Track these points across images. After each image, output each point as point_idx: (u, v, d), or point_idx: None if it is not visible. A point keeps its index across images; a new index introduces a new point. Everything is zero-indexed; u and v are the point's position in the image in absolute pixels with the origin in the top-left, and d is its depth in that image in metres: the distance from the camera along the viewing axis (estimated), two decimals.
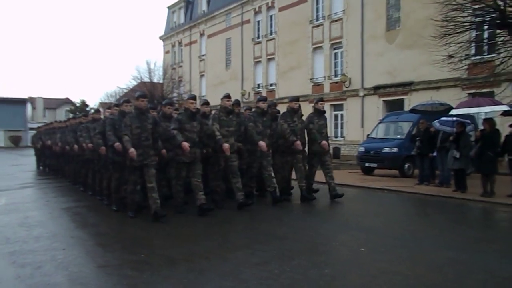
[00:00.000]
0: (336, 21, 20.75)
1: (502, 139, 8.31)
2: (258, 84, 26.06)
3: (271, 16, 25.30)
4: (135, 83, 31.01)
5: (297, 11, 22.91)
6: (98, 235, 5.26)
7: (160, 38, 38.21)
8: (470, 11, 10.98)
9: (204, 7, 31.96)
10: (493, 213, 6.90)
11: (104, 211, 6.87)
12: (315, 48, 21.85)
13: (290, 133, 7.13)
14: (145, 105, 5.96)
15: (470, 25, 10.98)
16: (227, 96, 6.76)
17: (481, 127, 9.20)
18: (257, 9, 26.19)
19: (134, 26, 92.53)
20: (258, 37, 26.20)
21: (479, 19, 11.23)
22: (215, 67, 29.77)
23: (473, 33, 12.27)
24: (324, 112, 7.90)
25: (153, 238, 5.05)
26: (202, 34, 31.82)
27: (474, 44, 12.66)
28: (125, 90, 32.20)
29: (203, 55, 31.74)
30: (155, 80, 31.34)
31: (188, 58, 33.47)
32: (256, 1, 26.18)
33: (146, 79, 30.67)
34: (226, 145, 6.34)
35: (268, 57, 25.23)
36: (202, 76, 31.90)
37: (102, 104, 36.76)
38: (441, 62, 11.21)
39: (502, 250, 4.48)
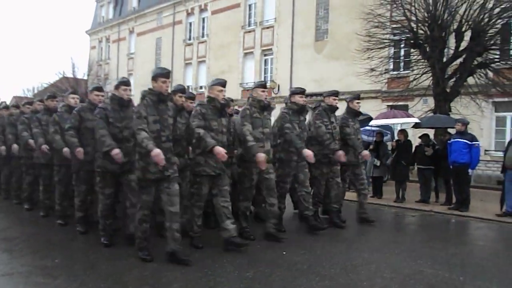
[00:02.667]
0: (267, 28, 21.20)
1: (413, 149, 9.06)
2: (188, 86, 25.76)
3: (203, 19, 25.16)
4: (57, 78, 29.06)
5: (229, 15, 23.04)
6: (5, 241, 4.74)
7: (87, 32, 36.24)
8: (389, 30, 11.88)
9: (134, 3, 30.89)
10: (403, 218, 7.46)
11: (16, 213, 6.33)
12: (246, 54, 22.13)
13: (330, 138, 5.61)
14: (166, 89, 4.09)
15: (389, 42, 11.88)
16: (262, 85, 5.11)
17: (396, 137, 9.93)
18: (189, 11, 25.91)
19: (58, 18, 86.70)
20: (190, 39, 25.91)
21: (397, 37, 12.19)
22: (144, 67, 28.84)
23: (392, 50, 13.24)
24: (360, 113, 6.42)
25: (71, 241, 4.75)
26: (131, 32, 30.71)
27: (392, 60, 13.65)
28: (45, 85, 30.03)
29: (132, 53, 30.63)
30: (79, 76, 29.65)
31: (116, 55, 32.09)
32: (188, 2, 25.89)
33: (69, 74, 28.89)
34: (261, 155, 4.59)
35: (199, 59, 25.05)
36: (130, 74, 30.73)
37: (16, 98, 33.91)
38: (364, 75, 11.96)
39: (408, 250, 4.87)
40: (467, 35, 10.28)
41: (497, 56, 10.60)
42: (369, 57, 11.61)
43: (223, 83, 4.57)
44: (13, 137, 6.76)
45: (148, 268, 3.83)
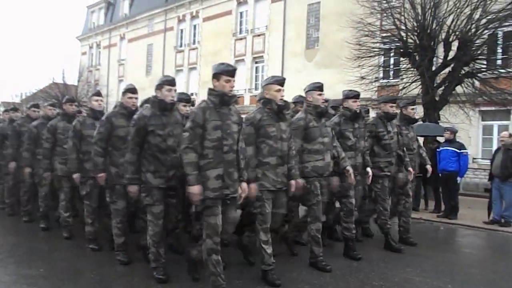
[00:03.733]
0: (258, 35, 21.30)
1: None
2: (179, 93, 25.70)
3: (194, 26, 25.20)
4: (46, 84, 28.72)
5: (221, 22, 23.12)
6: None
7: (77, 38, 36.06)
8: (379, 38, 12.01)
9: (126, 10, 30.86)
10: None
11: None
12: (237, 61, 22.18)
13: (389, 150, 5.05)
14: (231, 90, 3.38)
15: (379, 51, 12.01)
16: (319, 87, 4.29)
17: None
18: (181, 17, 25.94)
19: (49, 24, 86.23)
20: (181, 46, 25.92)
21: (387, 46, 12.32)
22: (135, 73, 28.76)
23: (382, 59, 13.37)
24: (416, 120, 5.90)
25: (55, 249, 4.66)
26: (122, 38, 30.64)
27: (382, 69, 13.78)
28: (34, 91, 29.69)
29: (122, 60, 30.53)
30: (70, 82, 29.37)
31: (107, 61, 31.96)
32: (180, 9, 25.93)
33: (59, 80, 28.60)
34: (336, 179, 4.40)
35: (190, 66, 25.05)
36: (121, 81, 30.60)
37: (4, 103, 33.46)
38: (354, 83, 12.04)
39: (397, 258, 4.85)
40: (455, 45, 10.42)
41: (483, 66, 10.76)
42: (359, 66, 11.71)
43: (281, 81, 3.84)
44: (14, 150, 6.16)
45: (136, 275, 3.78)
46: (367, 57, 11.71)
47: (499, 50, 11.46)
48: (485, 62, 10.75)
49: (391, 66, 14.36)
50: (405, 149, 5.31)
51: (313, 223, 4.13)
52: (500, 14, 9.87)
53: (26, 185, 6.02)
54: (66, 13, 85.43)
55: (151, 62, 27.93)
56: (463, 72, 10.58)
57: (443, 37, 10.55)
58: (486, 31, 10.16)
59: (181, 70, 25.66)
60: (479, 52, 10.34)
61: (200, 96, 23.46)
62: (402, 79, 11.96)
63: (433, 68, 10.86)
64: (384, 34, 12.03)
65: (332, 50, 17.23)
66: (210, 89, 3.40)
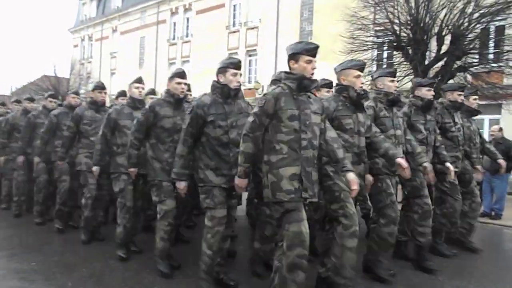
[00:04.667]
0: (252, 28, 21.21)
1: None
2: None
3: (187, 18, 25.01)
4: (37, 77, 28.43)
5: (214, 15, 22.96)
6: None
7: (69, 30, 35.64)
8: (373, 32, 12.01)
9: (118, 2, 30.52)
10: None
11: None
12: (230, 54, 22.08)
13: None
14: (312, 72, 2.90)
15: (372, 44, 12.01)
16: (391, 73, 3.85)
17: None
18: (173, 10, 25.72)
19: (40, 16, 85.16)
20: (174, 38, 25.73)
21: (380, 40, 12.33)
22: (127, 66, 28.54)
23: (375, 52, 13.38)
24: (478, 112, 5.03)
25: (47, 243, 4.64)
26: (114, 30, 30.33)
27: (375, 62, 13.80)
28: (25, 84, 29.33)
29: (115, 52, 30.26)
30: (61, 75, 29.06)
31: (99, 54, 31.64)
32: (173, 1, 25.71)
33: (51, 73, 28.30)
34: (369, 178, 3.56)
35: (183, 59, 24.90)
36: (113, 73, 30.37)
37: None
38: None
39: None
40: (448, 39, 10.45)
41: (476, 60, 10.81)
42: (352, 59, 11.71)
43: (361, 66, 3.38)
44: (24, 143, 5.72)
45: (129, 269, 3.77)
46: (360, 50, 11.71)
47: (491, 44, 11.52)
48: (477, 57, 10.80)
49: (385, 60, 14.40)
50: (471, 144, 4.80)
51: (387, 226, 3.57)
52: (493, 8, 9.91)
53: (42, 182, 5.48)
54: (58, 5, 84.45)
55: (144, 55, 27.72)
56: (455, 66, 10.62)
57: (436, 31, 10.57)
58: (478, 25, 10.20)
59: (174, 63, 25.50)
60: (471, 46, 10.39)
61: (194, 89, 23.31)
62: (396, 71, 11.96)
63: (426, 62, 10.88)
64: (378, 28, 12.03)
65: (326, 43, 17.14)
66: (286, 72, 2.90)
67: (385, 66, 14.40)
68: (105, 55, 31.07)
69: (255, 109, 2.82)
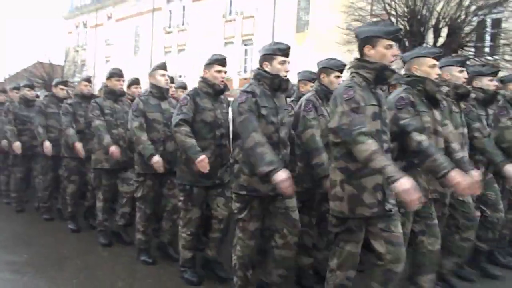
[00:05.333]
0: (248, 17, 21.04)
1: None
2: (172, 77, 25.37)
3: (184, 7, 24.74)
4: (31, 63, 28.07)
5: (210, 4, 22.72)
6: None
7: (63, 17, 35.17)
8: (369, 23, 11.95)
9: None
10: None
11: None
12: (226, 43, 21.93)
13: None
14: (392, 60, 2.43)
15: None
16: (493, 74, 3.57)
17: None
18: None
19: (34, 2, 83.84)
20: (170, 27, 25.48)
21: None
22: (122, 54, 28.29)
23: None
24: None
25: (39, 235, 4.61)
26: (109, 17, 29.96)
27: None
28: (17, 70, 29.00)
29: (109, 40, 29.96)
30: (55, 62, 28.73)
31: (93, 41, 31.30)
32: None
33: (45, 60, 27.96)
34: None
35: (179, 47, 24.69)
36: (107, 61, 30.11)
37: None
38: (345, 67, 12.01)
39: None
40: (444, 32, 10.43)
41: (471, 53, 10.80)
42: (348, 50, 11.67)
43: (437, 54, 2.87)
44: (44, 130, 5.05)
45: (121, 262, 3.77)
46: (357, 41, 11.65)
47: (487, 37, 11.51)
48: (473, 50, 10.80)
49: None
50: None
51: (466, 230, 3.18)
52: (490, 1, 9.88)
53: (48, 179, 5.14)
54: None
55: (139, 42, 27.47)
56: None
57: (433, 23, 10.53)
58: (475, 18, 10.18)
59: (169, 52, 25.30)
60: (467, 39, 10.38)
61: (189, 78, 23.21)
62: (392, 65, 11.96)
63: None
64: (375, 19, 11.95)
65: (323, 34, 17.11)
66: (360, 60, 2.42)
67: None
68: (99, 42, 30.76)
69: (348, 104, 2.25)
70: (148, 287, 3.30)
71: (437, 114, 2.82)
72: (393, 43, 2.37)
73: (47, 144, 4.90)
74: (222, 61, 3.31)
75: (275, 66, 2.77)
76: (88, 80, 5.00)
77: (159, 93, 3.74)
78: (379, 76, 2.35)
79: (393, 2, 10.84)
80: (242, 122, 2.64)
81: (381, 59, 2.34)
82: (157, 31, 26.02)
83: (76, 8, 33.57)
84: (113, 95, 4.28)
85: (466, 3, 9.96)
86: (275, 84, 2.76)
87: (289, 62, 2.85)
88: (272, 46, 2.83)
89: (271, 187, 2.61)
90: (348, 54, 11.89)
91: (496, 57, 10.83)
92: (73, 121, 4.66)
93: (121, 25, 28.70)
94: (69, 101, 4.86)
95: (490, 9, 10.05)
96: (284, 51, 2.79)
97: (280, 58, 2.77)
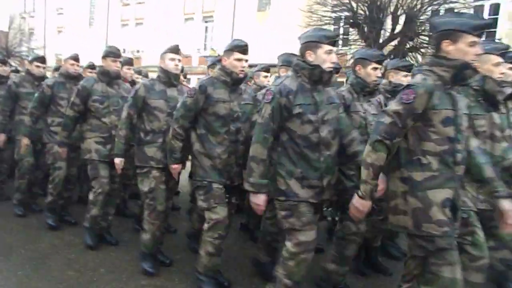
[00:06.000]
0: None
1: None
2: (124, 49, 24.44)
3: None
4: None
5: None
6: None
7: None
8: (330, 7, 12.02)
9: None
10: None
11: None
12: (186, 19, 21.34)
13: None
14: (476, 57, 2.07)
15: (329, 19, 12.05)
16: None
17: None
18: None
19: None
20: None
21: (337, 15, 12.40)
22: (76, 24, 26.83)
23: (332, 28, 13.45)
24: None
25: None
26: None
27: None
28: None
29: (61, 8, 28.24)
30: None
31: (43, 8, 29.40)
32: None
33: None
34: None
35: (137, 21, 23.75)
36: (60, 32, 28.47)
37: None
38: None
39: None
40: (402, 19, 10.69)
41: (425, 41, 11.17)
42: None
43: (504, 50, 2.66)
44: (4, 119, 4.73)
45: (73, 251, 3.66)
46: (317, 25, 11.72)
47: None
48: (427, 38, 11.17)
49: (341, 36, 14.53)
50: None
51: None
52: None
53: (25, 166, 4.56)
54: None
55: (94, 13, 26.11)
56: (408, 46, 10.93)
57: (391, 10, 10.76)
58: (429, 8, 10.49)
59: (126, 25, 24.29)
60: (422, 28, 10.70)
61: (147, 53, 22.44)
62: (351, 49, 12.16)
63: (381, 41, 11.11)
64: (335, 2, 12.05)
65: (284, 15, 17.04)
66: (437, 57, 2.10)
67: (341, 42, 14.58)
68: (50, 10, 28.93)
69: (395, 106, 2.05)
70: (100, 276, 3.23)
71: (496, 116, 2.60)
72: (478, 39, 2.02)
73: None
74: (243, 48, 2.94)
75: (320, 56, 2.45)
76: (76, 58, 4.35)
77: (166, 78, 3.34)
78: (459, 76, 2.05)
79: None
80: (257, 126, 2.51)
81: (462, 57, 2.02)
82: (113, 2, 24.84)
83: None
84: (107, 77, 3.78)
85: None
86: (315, 76, 2.46)
87: (334, 52, 2.52)
88: (317, 32, 2.51)
89: (311, 193, 2.47)
90: None
91: None
92: (51, 104, 4.29)
93: None
94: (49, 81, 4.35)
95: (444, 0, 10.40)
96: (331, 39, 2.47)
97: (326, 47, 2.45)
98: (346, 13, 11.74)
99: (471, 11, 11.89)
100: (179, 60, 3.39)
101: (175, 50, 3.37)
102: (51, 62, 16.53)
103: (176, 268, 3.43)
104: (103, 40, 25.28)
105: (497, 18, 12.94)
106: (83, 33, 26.48)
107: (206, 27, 20.95)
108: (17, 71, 7.72)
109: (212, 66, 4.44)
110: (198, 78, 20.40)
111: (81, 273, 3.24)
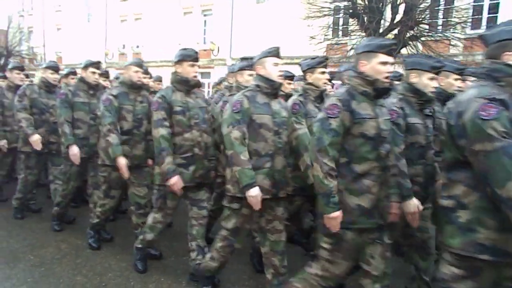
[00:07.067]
0: None
1: None
2: (124, 45, 24.37)
3: None
4: None
5: None
6: None
7: None
8: None
9: None
10: None
11: None
12: (185, 13, 21.20)
13: None
14: None
15: (329, 10, 11.96)
16: None
17: None
18: None
19: None
20: None
21: (336, 5, 12.30)
22: (74, 21, 26.73)
23: (331, 19, 13.39)
24: None
25: None
26: None
27: (331, 28, 13.82)
28: None
29: (59, 5, 28.10)
30: None
31: (41, 6, 29.27)
32: None
33: None
34: None
35: (136, 16, 23.59)
36: (59, 29, 28.37)
37: None
38: (304, 41, 12.06)
39: None
40: (402, 8, 10.59)
41: (426, 30, 11.08)
42: (308, 26, 11.68)
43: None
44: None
45: (80, 256, 3.72)
46: (317, 16, 11.65)
47: (441, 15, 11.83)
48: (427, 27, 11.08)
49: (341, 26, 14.44)
50: None
51: None
52: None
53: (69, 189, 4.30)
54: None
55: (92, 9, 25.98)
56: (408, 35, 10.84)
57: None
58: None
59: (125, 20, 24.17)
60: (422, 16, 10.61)
61: (147, 48, 22.36)
62: (352, 39, 12.08)
63: (381, 31, 11.02)
64: None
65: (282, 6, 16.92)
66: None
67: (340, 32, 14.48)
68: (48, 8, 28.82)
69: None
70: (108, 281, 3.27)
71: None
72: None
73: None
74: (278, 53, 2.84)
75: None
76: (140, 65, 3.79)
77: (270, 88, 2.81)
78: None
79: None
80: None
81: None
82: None
83: None
84: (186, 85, 3.20)
85: None
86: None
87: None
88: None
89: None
90: (308, 28, 11.92)
91: (446, 34, 11.15)
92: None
93: None
94: (113, 91, 3.69)
95: None
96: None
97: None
98: (345, 3, 11.64)
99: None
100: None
101: (277, 53, 2.88)
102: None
103: (182, 271, 3.48)
104: (102, 36, 25.24)
105: (498, 3, 12.81)
106: (82, 29, 26.40)
107: (205, 21, 20.82)
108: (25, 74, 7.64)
109: (239, 71, 3.79)
110: (200, 73, 20.35)
111: (89, 278, 3.30)
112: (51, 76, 4.55)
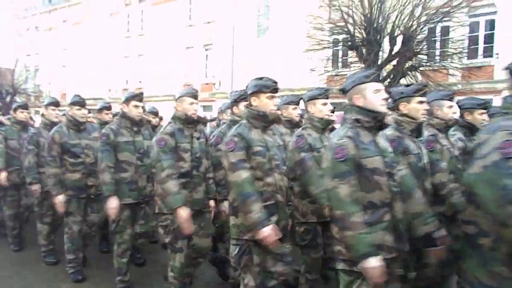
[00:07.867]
0: (208, 23, 20.91)
1: None
2: (127, 81, 24.83)
3: (142, 11, 24.26)
4: None
5: (170, 8, 22.41)
6: None
7: (14, 17, 33.49)
8: (328, 30, 12.23)
9: None
10: None
11: None
12: (187, 48, 21.71)
13: None
14: None
15: (328, 43, 12.24)
16: None
17: None
18: (127, 1, 24.84)
19: None
20: (128, 31, 24.91)
21: (335, 37, 12.60)
22: (80, 59, 27.35)
23: (330, 51, 13.68)
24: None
25: None
26: (64, 21, 28.88)
27: (331, 60, 14.10)
28: None
29: (66, 44, 28.83)
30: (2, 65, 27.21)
31: (47, 45, 30.04)
32: None
33: None
34: None
35: (139, 53, 24.18)
36: (64, 66, 29.00)
37: None
38: (304, 74, 12.28)
39: None
40: (399, 40, 10.82)
41: (424, 60, 11.28)
42: (308, 58, 11.93)
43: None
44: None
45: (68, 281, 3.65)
46: (316, 49, 11.91)
47: (437, 46, 12.09)
48: (425, 57, 11.28)
49: (340, 58, 14.72)
50: None
51: None
52: (439, 11, 10.38)
53: (124, 238, 3.74)
54: None
55: (97, 48, 26.65)
56: (406, 65, 11.02)
57: (388, 31, 10.91)
58: (425, 27, 10.64)
59: (128, 57, 24.74)
60: (420, 47, 10.82)
61: (150, 84, 22.75)
62: (351, 70, 12.28)
63: (379, 62, 11.21)
64: (333, 25, 12.26)
65: (283, 40, 17.34)
66: None
67: (340, 64, 14.74)
68: (54, 47, 29.55)
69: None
70: None
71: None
72: None
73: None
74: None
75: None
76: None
77: (374, 121, 2.23)
78: None
79: (350, 11, 11.13)
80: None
81: None
82: (115, 36, 25.38)
83: (25, 10, 32.13)
84: (264, 121, 2.74)
85: (418, 13, 10.40)
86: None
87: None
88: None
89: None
90: (308, 61, 12.16)
91: (444, 63, 11.34)
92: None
93: (78, 29, 27.79)
94: (168, 129, 3.26)
95: (440, 19, 10.55)
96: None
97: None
98: (344, 36, 11.93)
99: (467, 29, 12.08)
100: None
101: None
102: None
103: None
104: (107, 73, 25.75)
105: (493, 33, 13.07)
106: (87, 67, 26.95)
107: (207, 55, 21.29)
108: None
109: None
110: (202, 106, 20.63)
111: None
112: (78, 113, 4.01)
